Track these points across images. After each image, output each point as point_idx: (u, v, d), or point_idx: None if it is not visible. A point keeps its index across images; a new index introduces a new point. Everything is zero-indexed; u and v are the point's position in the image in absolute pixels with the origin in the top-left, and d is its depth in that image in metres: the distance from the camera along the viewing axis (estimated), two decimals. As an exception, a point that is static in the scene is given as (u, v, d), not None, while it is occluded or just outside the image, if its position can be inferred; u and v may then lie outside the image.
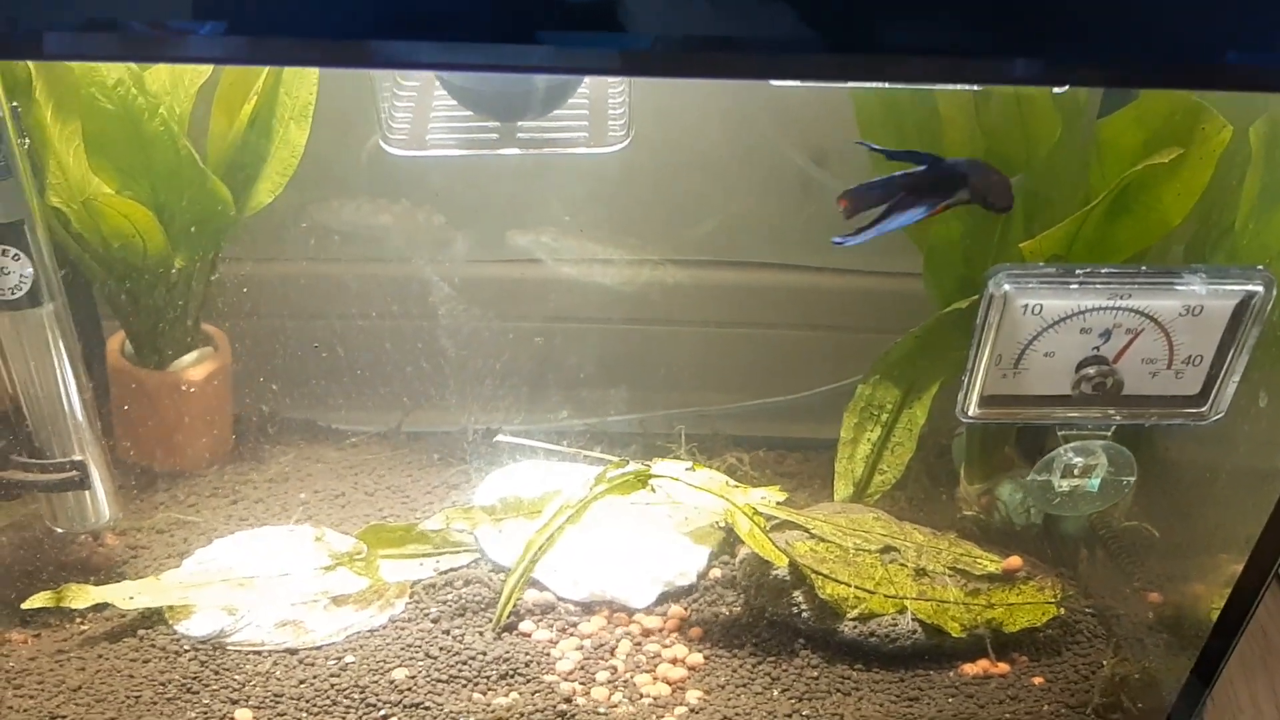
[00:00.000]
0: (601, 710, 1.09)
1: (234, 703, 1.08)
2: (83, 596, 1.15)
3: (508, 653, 1.14)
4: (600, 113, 1.17)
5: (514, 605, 1.17)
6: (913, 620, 1.14)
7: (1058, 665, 1.17)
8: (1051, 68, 0.74)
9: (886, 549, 1.18)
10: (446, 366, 1.37)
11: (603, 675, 1.13)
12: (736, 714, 1.09)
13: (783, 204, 1.37)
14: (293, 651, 1.14)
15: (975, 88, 1.07)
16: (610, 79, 1.18)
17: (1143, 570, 1.24)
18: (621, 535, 1.24)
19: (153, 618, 1.16)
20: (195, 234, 1.22)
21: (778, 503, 1.19)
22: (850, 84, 1.10)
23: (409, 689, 1.10)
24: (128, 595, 1.15)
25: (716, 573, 1.24)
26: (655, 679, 1.13)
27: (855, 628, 1.14)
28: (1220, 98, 0.99)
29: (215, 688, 1.10)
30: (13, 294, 1.00)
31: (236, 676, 1.11)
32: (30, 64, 1.05)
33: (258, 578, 1.18)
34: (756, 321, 1.45)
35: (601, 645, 1.16)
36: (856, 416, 1.26)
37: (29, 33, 0.71)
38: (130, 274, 1.22)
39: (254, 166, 1.22)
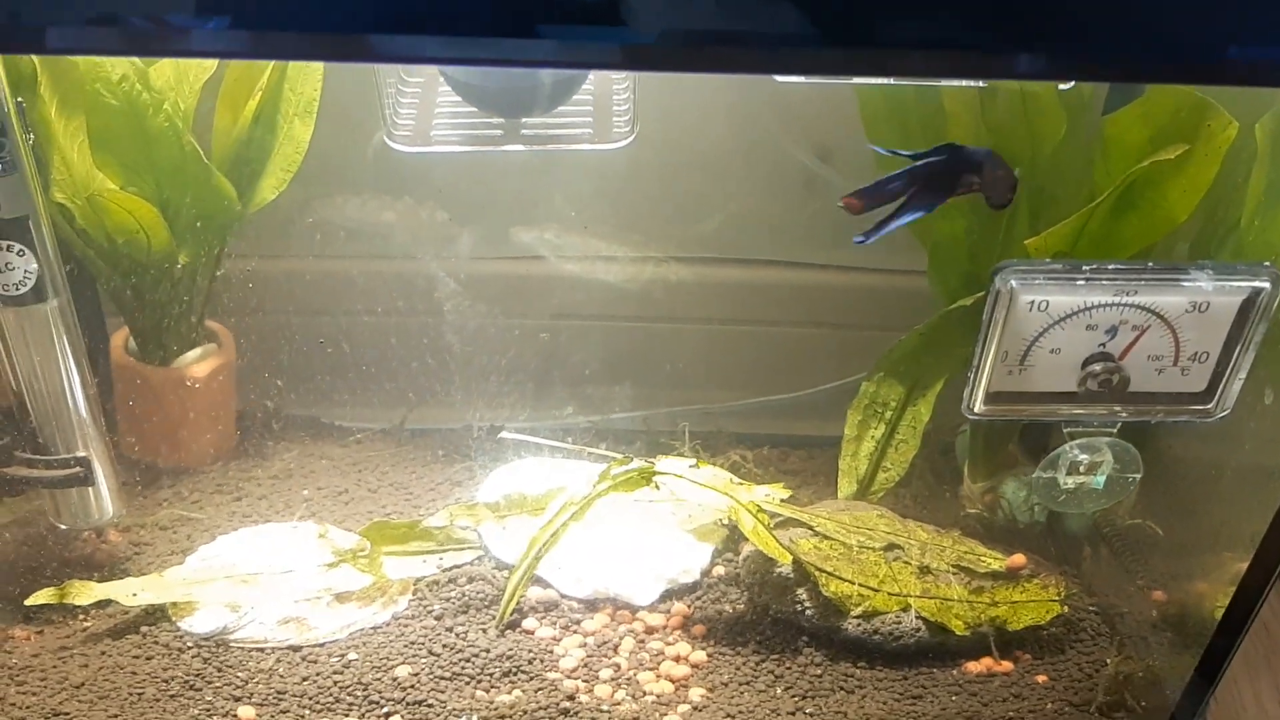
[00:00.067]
0: (605, 708, 1.09)
1: (237, 700, 1.08)
2: (86, 593, 1.15)
3: (511, 650, 1.13)
4: (605, 109, 1.17)
5: (517, 602, 1.17)
6: (916, 618, 1.14)
7: (1061, 663, 1.16)
8: (1056, 63, 0.74)
9: (890, 546, 1.17)
10: (450, 363, 1.37)
11: (606, 673, 1.13)
12: (740, 712, 1.09)
13: (787, 201, 1.37)
14: (296, 648, 1.14)
15: (980, 84, 1.07)
16: (615, 75, 1.18)
17: (1146, 568, 1.24)
18: (625, 533, 1.24)
19: (156, 614, 1.16)
20: (199, 230, 1.22)
21: (781, 500, 1.19)
22: (855, 80, 1.10)
23: (412, 686, 1.10)
24: (131, 592, 1.15)
25: (720, 570, 1.24)
26: (658, 676, 1.13)
27: (859, 625, 1.14)
28: (1226, 94, 0.99)
29: (218, 685, 1.10)
30: (17, 289, 1.00)
31: (239, 673, 1.11)
32: (35, 59, 1.05)
33: (261, 574, 1.18)
34: (760, 319, 1.45)
35: (605, 643, 1.16)
36: (860, 414, 1.26)
37: (33, 27, 0.71)
38: (134, 270, 1.22)
39: (258, 162, 1.23)
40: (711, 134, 1.31)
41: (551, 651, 1.15)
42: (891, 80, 1.09)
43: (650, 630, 1.18)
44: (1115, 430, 1.03)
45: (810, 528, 1.18)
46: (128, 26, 0.70)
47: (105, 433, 1.12)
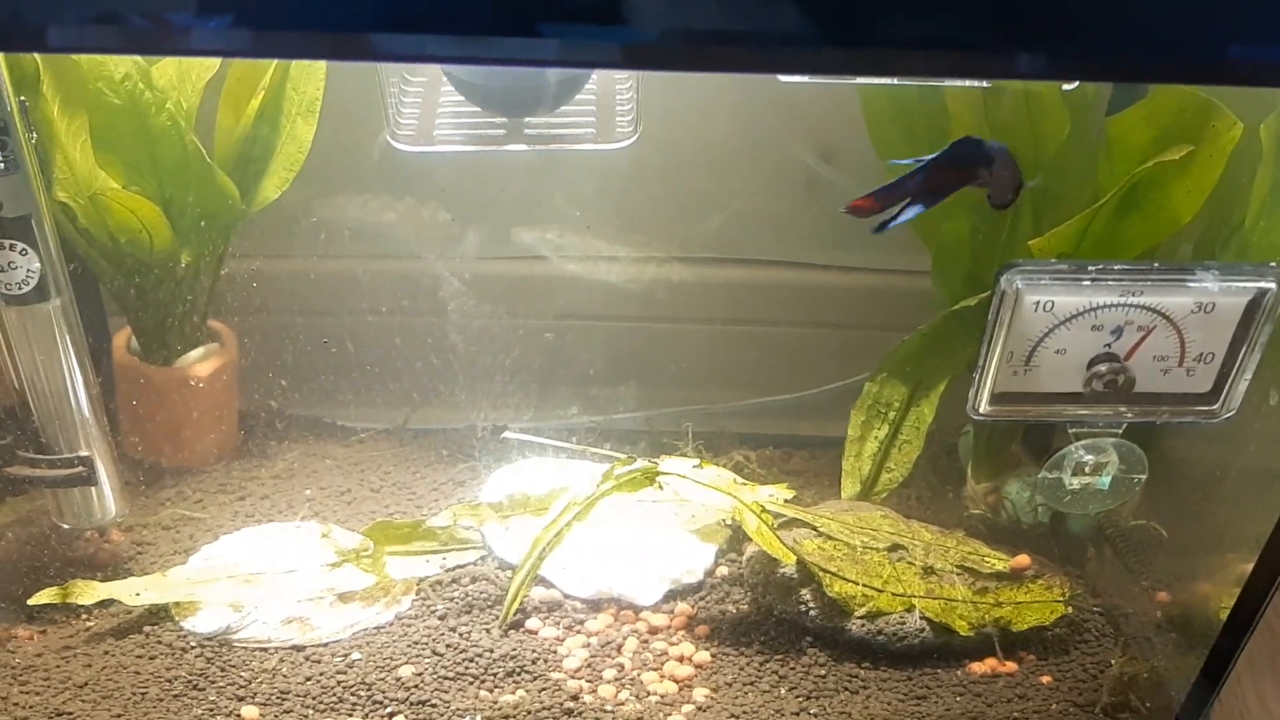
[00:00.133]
0: (608, 708, 1.09)
1: (240, 699, 1.08)
2: (89, 593, 1.14)
3: (514, 650, 1.13)
4: (608, 109, 1.17)
5: (521, 602, 1.17)
6: (920, 618, 1.13)
7: (1066, 664, 1.16)
8: (1060, 63, 0.74)
9: (894, 547, 1.17)
10: (452, 363, 1.37)
11: (609, 673, 1.13)
12: (744, 712, 1.09)
13: (790, 201, 1.37)
14: (299, 648, 1.13)
15: (984, 84, 1.07)
16: (618, 75, 1.18)
17: (1150, 569, 1.24)
18: (628, 533, 1.24)
19: (159, 614, 1.16)
20: (202, 229, 1.22)
21: (785, 500, 1.18)
22: (858, 80, 1.10)
23: (415, 686, 1.10)
24: (134, 591, 1.14)
25: (723, 570, 1.24)
26: (662, 677, 1.13)
27: (863, 626, 1.13)
28: (1231, 94, 0.99)
29: (221, 684, 1.09)
30: (20, 289, 1.00)
31: (243, 673, 1.10)
32: (38, 58, 1.05)
33: (264, 574, 1.18)
34: (763, 319, 1.45)
35: (608, 643, 1.16)
36: (864, 414, 1.26)
37: (36, 25, 0.71)
38: (137, 269, 1.22)
39: (261, 162, 1.22)
40: (714, 134, 1.31)
41: (555, 652, 1.15)
42: (895, 80, 1.09)
43: (654, 630, 1.18)
44: (1120, 431, 1.02)
45: (814, 528, 1.18)
46: (130, 25, 0.70)
47: (108, 432, 1.12)
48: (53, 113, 1.08)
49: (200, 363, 1.30)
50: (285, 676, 1.10)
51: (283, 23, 0.71)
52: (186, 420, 1.31)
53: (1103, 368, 0.96)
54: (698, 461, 1.19)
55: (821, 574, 1.13)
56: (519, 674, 1.11)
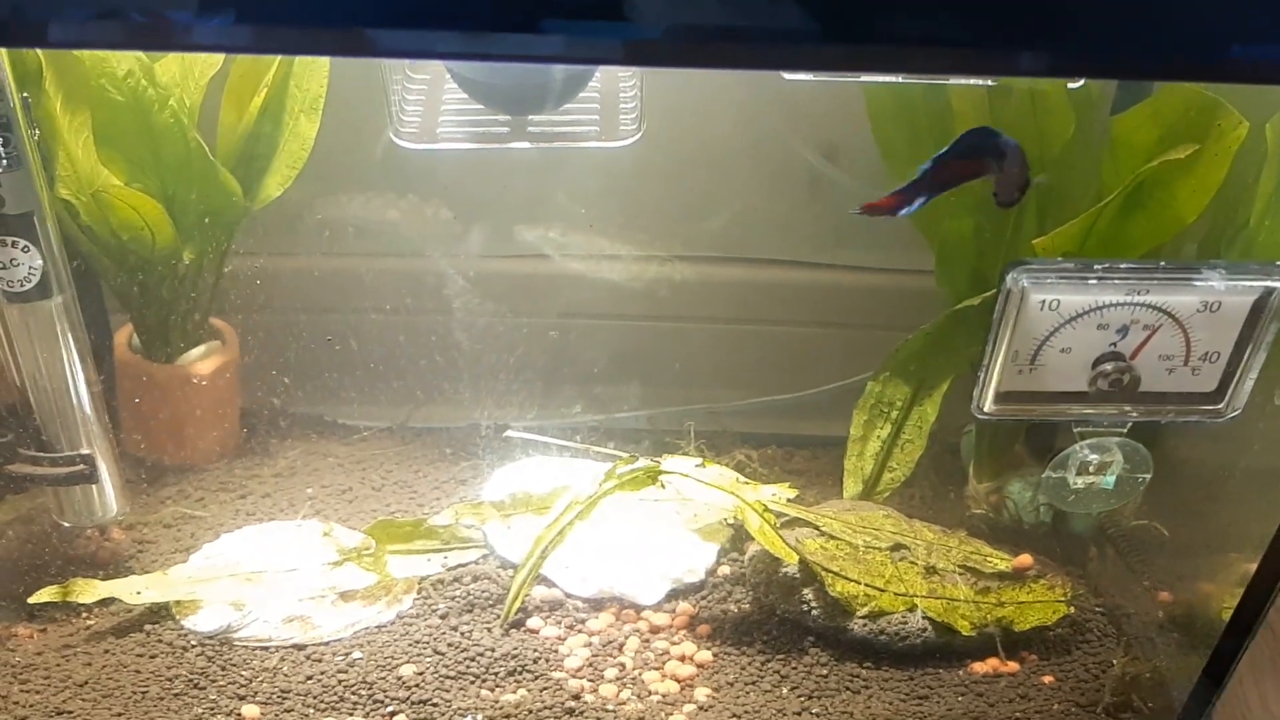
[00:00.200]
0: (610, 707, 1.09)
1: (241, 698, 1.08)
2: (89, 591, 1.14)
3: (516, 649, 1.13)
4: (611, 106, 1.16)
5: (522, 601, 1.17)
6: (922, 618, 1.13)
7: (1068, 664, 1.16)
8: (1065, 60, 0.74)
9: (896, 546, 1.17)
10: (455, 361, 1.37)
11: (611, 672, 1.13)
12: (745, 712, 1.09)
13: (793, 200, 1.36)
14: (300, 647, 1.13)
15: (989, 82, 1.07)
16: (622, 72, 1.18)
17: (1153, 569, 1.24)
18: (630, 532, 1.23)
19: (160, 613, 1.16)
20: (204, 226, 1.22)
21: (788, 499, 1.18)
22: (862, 78, 1.10)
23: (417, 685, 1.09)
24: (135, 590, 1.14)
25: (725, 570, 1.24)
26: (664, 676, 1.13)
27: (865, 625, 1.13)
28: (1236, 93, 0.98)
29: (222, 683, 1.09)
30: (22, 286, 1.00)
31: (243, 672, 1.10)
32: (40, 54, 1.04)
33: (265, 573, 1.18)
34: (766, 318, 1.45)
35: (610, 642, 1.16)
36: (866, 414, 1.25)
37: (39, 21, 0.71)
38: (139, 266, 1.22)
39: (264, 159, 1.22)
40: (718, 132, 1.31)
41: (556, 651, 1.14)
42: (899, 78, 1.09)
43: (655, 630, 1.18)
44: (1125, 430, 1.02)
45: (816, 527, 1.17)
46: (133, 20, 0.70)
47: (109, 430, 1.12)
48: (55, 109, 1.08)
49: (202, 360, 1.30)
50: (286, 675, 1.10)
51: (286, 18, 0.70)
52: (188, 418, 1.31)
53: (1108, 367, 0.96)
54: (700, 460, 1.19)
55: (824, 573, 1.13)
56: (520, 673, 1.11)
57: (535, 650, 1.13)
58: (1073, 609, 1.17)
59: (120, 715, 1.06)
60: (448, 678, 1.10)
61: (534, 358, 1.39)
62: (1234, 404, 0.98)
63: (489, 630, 1.15)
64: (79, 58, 1.07)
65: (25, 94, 0.96)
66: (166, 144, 1.14)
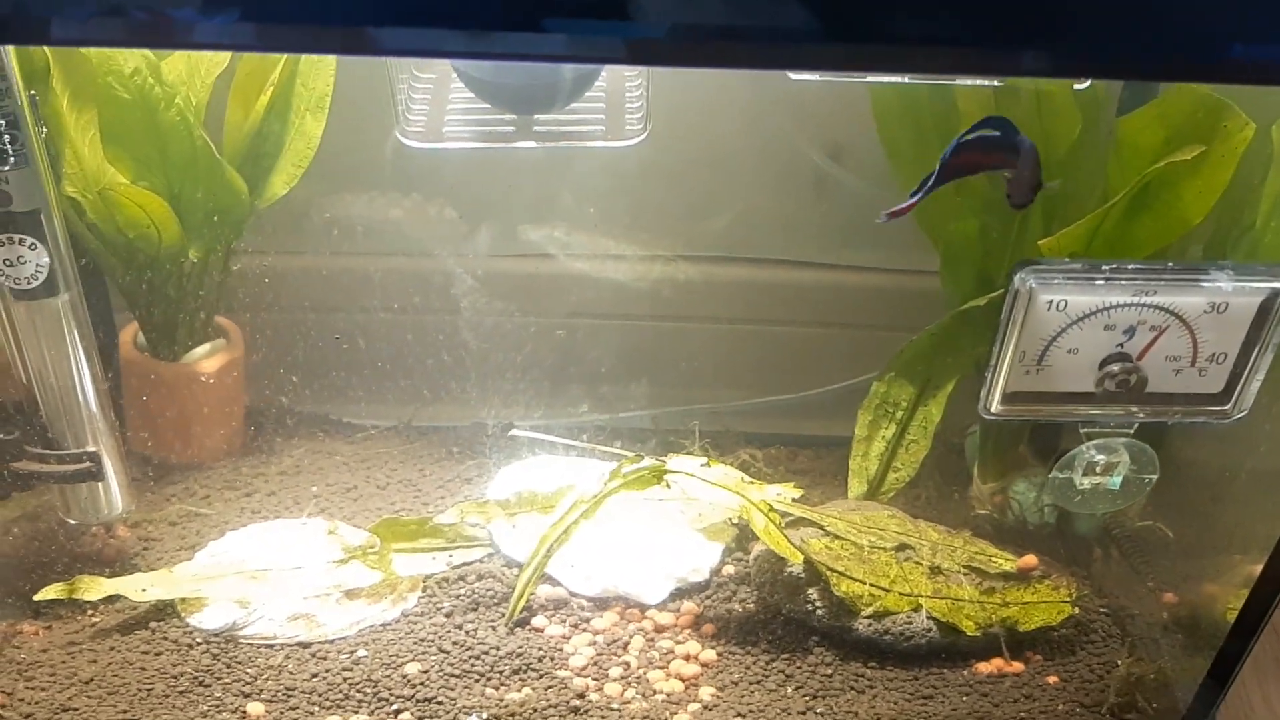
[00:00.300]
0: (614, 706, 1.09)
1: (246, 696, 1.08)
2: (95, 588, 1.14)
3: (520, 648, 1.13)
4: (617, 106, 1.16)
5: (527, 600, 1.17)
6: (927, 618, 1.13)
7: (1072, 665, 1.16)
8: (1071, 60, 0.73)
9: (901, 547, 1.17)
10: (461, 360, 1.37)
11: (616, 671, 1.13)
12: (750, 711, 1.09)
13: (799, 200, 1.36)
14: (305, 645, 1.13)
15: (995, 83, 1.06)
16: (628, 72, 1.18)
17: (1157, 570, 1.24)
18: (635, 531, 1.23)
19: (165, 610, 1.16)
20: (211, 225, 1.22)
21: (793, 499, 1.18)
22: (868, 78, 1.10)
23: (421, 683, 1.10)
24: (140, 587, 1.14)
25: (730, 569, 1.24)
26: (668, 675, 1.13)
27: (870, 625, 1.13)
28: (1243, 94, 0.98)
29: (227, 681, 1.09)
30: (29, 283, 1.00)
31: (248, 670, 1.10)
32: (48, 52, 1.05)
33: (270, 571, 1.18)
34: (771, 318, 1.45)
35: (614, 641, 1.16)
36: (871, 414, 1.25)
37: (45, 18, 0.71)
38: (145, 265, 1.22)
39: (270, 158, 1.22)
40: (723, 132, 1.31)
41: (561, 649, 1.14)
42: (905, 78, 1.09)
43: (660, 629, 1.18)
44: (1132, 431, 1.02)
45: (821, 527, 1.17)
46: (140, 18, 0.70)
47: (115, 428, 1.12)
48: (62, 107, 1.08)
49: (207, 359, 1.30)
50: (291, 673, 1.10)
51: (292, 17, 0.70)
52: (194, 416, 1.31)
53: (1115, 367, 0.96)
54: (705, 460, 1.19)
55: (828, 573, 1.13)
56: (525, 672, 1.11)
57: (540, 649, 1.14)
58: (1077, 610, 1.17)
59: (125, 712, 1.06)
60: (452, 676, 1.11)
61: (539, 357, 1.39)
62: (1240, 405, 0.98)
63: (494, 629, 1.15)
64: (86, 55, 1.07)
65: (33, 91, 0.96)
66: (173, 142, 1.14)
